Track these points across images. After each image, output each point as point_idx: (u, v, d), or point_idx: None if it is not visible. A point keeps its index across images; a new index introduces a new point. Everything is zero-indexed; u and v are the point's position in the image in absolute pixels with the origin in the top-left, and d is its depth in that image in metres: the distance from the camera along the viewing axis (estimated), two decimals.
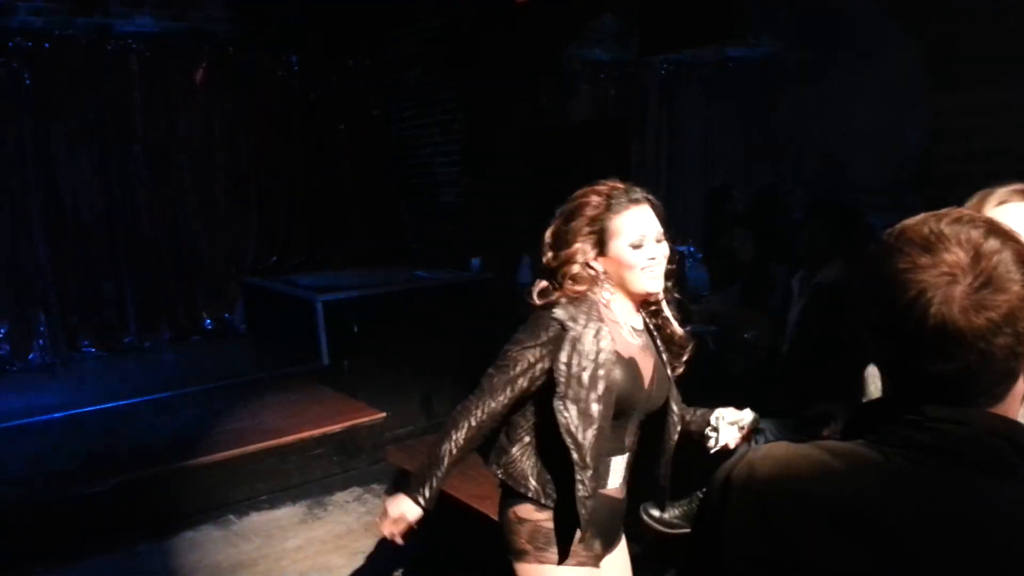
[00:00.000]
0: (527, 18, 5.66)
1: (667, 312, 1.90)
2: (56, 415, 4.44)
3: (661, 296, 1.86)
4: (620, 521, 1.96)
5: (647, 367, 1.84)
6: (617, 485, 1.88)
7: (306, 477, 4.00)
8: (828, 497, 0.83)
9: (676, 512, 2.93)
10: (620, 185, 1.85)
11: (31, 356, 5.54)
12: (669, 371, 1.90)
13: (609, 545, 1.92)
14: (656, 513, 2.89)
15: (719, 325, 3.79)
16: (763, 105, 8.80)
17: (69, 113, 5.59)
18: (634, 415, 1.86)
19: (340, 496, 3.86)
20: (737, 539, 0.88)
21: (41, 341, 5.56)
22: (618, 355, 1.78)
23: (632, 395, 1.80)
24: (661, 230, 1.81)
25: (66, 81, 5.55)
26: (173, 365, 5.74)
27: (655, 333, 1.91)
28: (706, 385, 3.49)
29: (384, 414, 4.38)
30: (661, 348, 1.90)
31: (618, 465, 1.86)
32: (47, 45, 5.47)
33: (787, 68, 8.44)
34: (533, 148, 5.71)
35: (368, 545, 3.36)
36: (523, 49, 5.79)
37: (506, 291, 5.21)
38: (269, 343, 5.96)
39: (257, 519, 3.65)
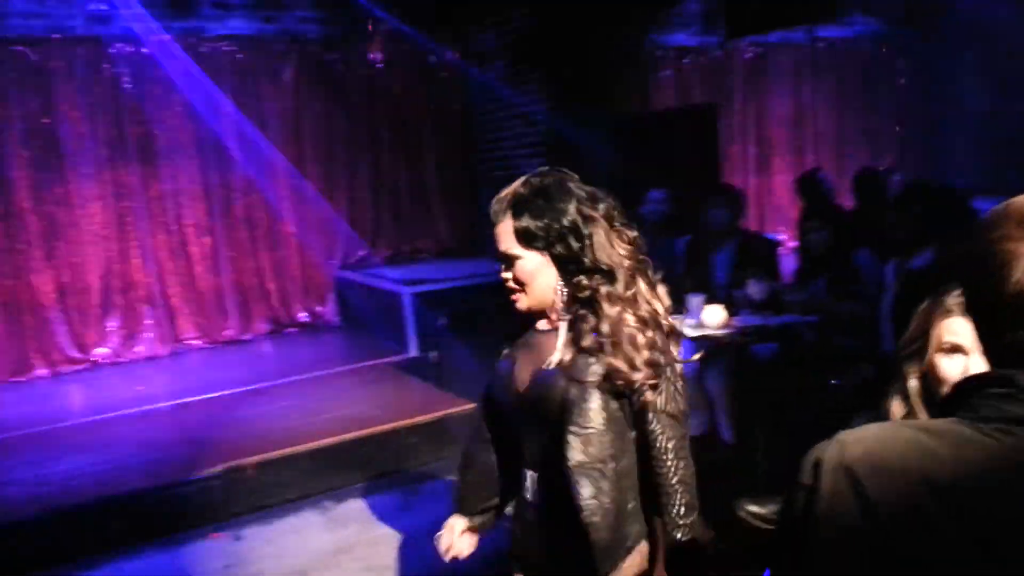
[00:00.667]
0: (610, 6, 5.60)
1: (563, 332, 1.60)
2: (164, 404, 4.68)
3: (551, 315, 1.63)
4: (540, 549, 1.66)
5: (525, 369, 1.64)
6: (529, 499, 1.65)
7: (400, 465, 4.09)
8: (922, 471, 0.82)
9: (773, 507, 2.86)
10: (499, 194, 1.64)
11: (138, 348, 5.83)
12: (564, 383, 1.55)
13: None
14: (753, 508, 2.83)
15: (814, 316, 3.67)
16: (857, 86, 8.47)
17: (167, 115, 5.84)
18: (517, 422, 1.66)
19: (433, 485, 3.92)
20: (830, 518, 0.87)
21: (149, 334, 5.85)
22: (507, 354, 1.71)
23: (497, 396, 1.70)
24: (505, 248, 1.60)
25: (162, 83, 5.81)
26: (271, 356, 5.96)
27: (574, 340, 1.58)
28: (803, 375, 3.39)
29: (474, 404, 4.41)
30: (564, 357, 1.57)
31: (530, 479, 1.64)
32: (145, 50, 5.73)
33: (886, 47, 8.09)
34: (618, 137, 5.65)
35: None
36: (606, 37, 5.73)
37: None
38: (360, 335, 6.11)
39: (354, 505, 3.75)
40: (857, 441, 0.88)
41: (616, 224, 1.60)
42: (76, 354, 5.62)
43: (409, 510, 3.70)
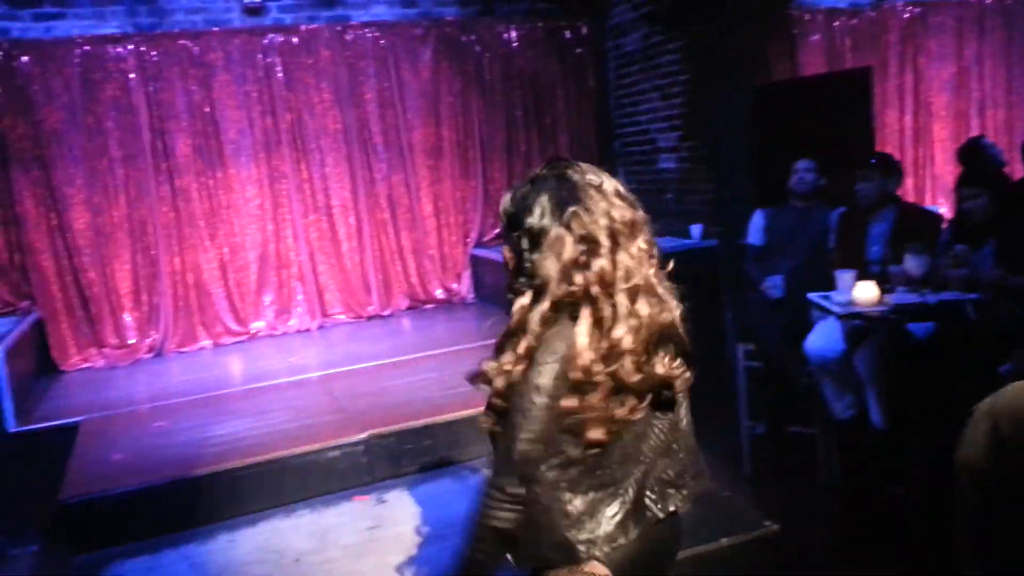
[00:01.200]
0: None
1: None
2: (313, 375, 4.95)
3: None
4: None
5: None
6: None
7: None
8: None
9: None
10: None
11: (291, 322, 6.19)
12: None
13: None
14: None
15: (978, 293, 3.37)
16: None
17: (315, 101, 6.13)
18: None
19: None
20: (966, 458, 0.95)
21: (299, 309, 6.19)
22: None
23: None
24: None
25: (310, 70, 6.09)
26: (410, 331, 6.17)
27: None
28: (965, 357, 3.13)
29: None
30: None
31: None
32: (295, 40, 6.03)
33: None
34: (761, 107, 5.41)
35: None
36: (749, 4, 5.48)
37: (730, 257, 5.00)
38: (493, 311, 6.19)
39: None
40: (1011, 389, 1.01)
41: (595, 248, 1.45)
42: (236, 327, 6.04)
43: None
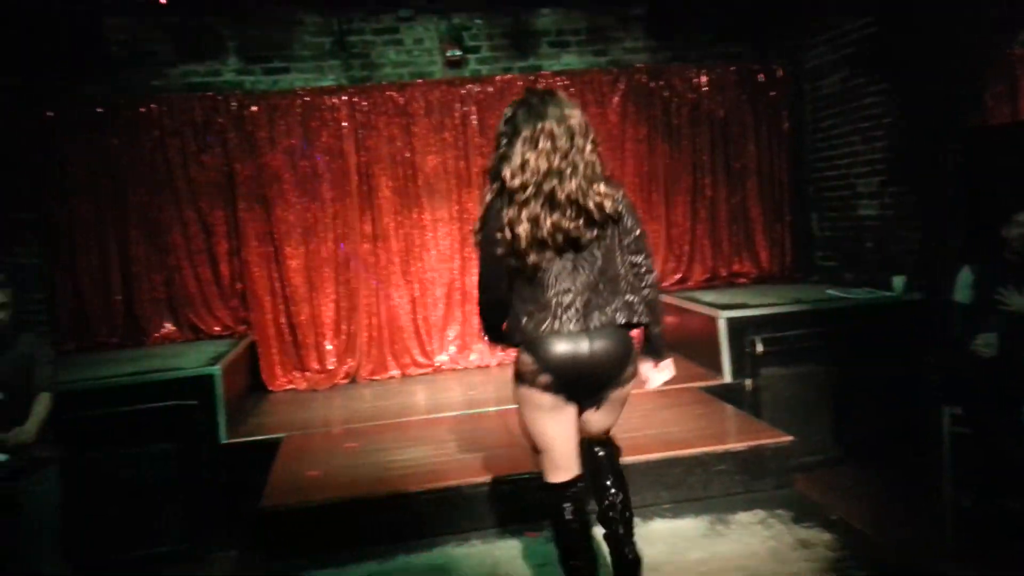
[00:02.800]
0: (967, 5, 5.00)
1: None
2: (490, 408, 5.10)
3: None
4: None
5: None
6: None
7: (708, 492, 3.99)
8: None
9: None
10: None
11: (471, 357, 6.41)
12: None
13: None
14: None
15: None
16: None
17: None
18: None
19: (743, 516, 3.76)
20: None
21: (479, 345, 6.40)
22: None
23: None
24: None
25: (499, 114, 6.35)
26: None
27: None
28: None
29: (790, 438, 4.17)
30: None
31: None
32: (491, 89, 6.34)
33: None
34: (976, 153, 4.98)
35: (772, 571, 3.22)
36: (962, 42, 5.11)
37: (935, 313, 4.61)
38: (673, 357, 6.09)
39: (660, 526, 3.74)
40: None
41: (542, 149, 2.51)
42: (422, 359, 6.35)
43: (718, 538, 3.59)
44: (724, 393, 5.08)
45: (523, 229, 2.46)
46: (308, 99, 6.12)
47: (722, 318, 5.29)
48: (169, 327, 6.09)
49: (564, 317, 2.50)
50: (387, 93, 6.24)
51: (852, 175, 6.07)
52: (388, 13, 6.29)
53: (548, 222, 2.46)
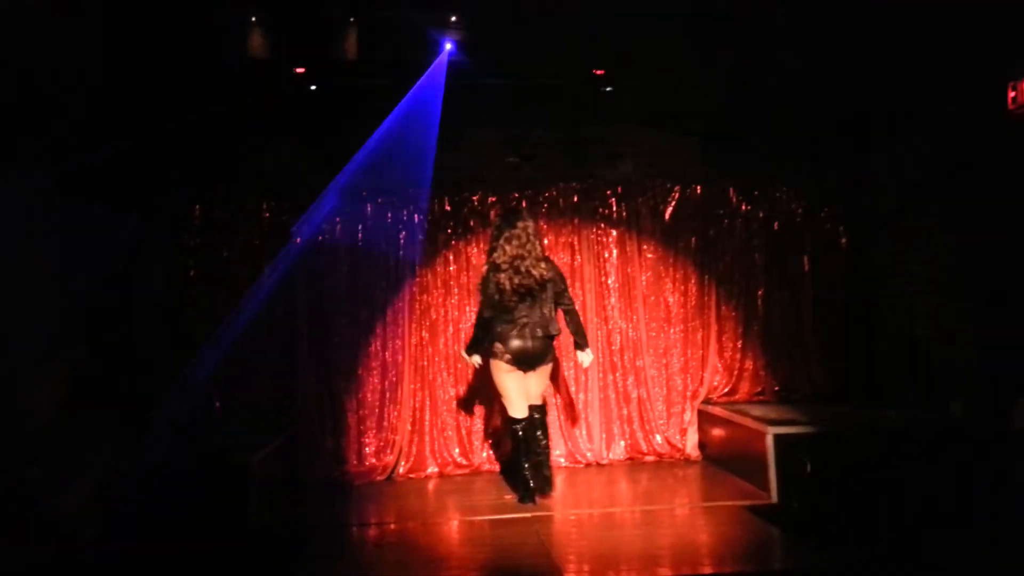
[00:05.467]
0: None
1: None
2: (526, 514, 4.97)
3: None
4: None
5: None
6: None
7: None
8: None
9: None
10: None
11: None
12: None
13: None
14: None
15: None
16: None
17: (556, 253, 6.47)
18: None
19: None
20: None
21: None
22: None
23: None
24: None
25: (556, 224, 6.54)
26: (627, 482, 5.97)
27: None
28: None
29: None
30: None
31: None
32: (546, 194, 6.53)
33: None
34: None
35: None
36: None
37: (994, 441, 4.37)
38: (719, 472, 5.90)
39: None
40: None
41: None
42: (461, 460, 6.29)
43: None
44: (771, 513, 4.84)
45: (506, 284, 4.98)
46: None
47: (770, 434, 5.12)
48: None
49: (524, 331, 5.03)
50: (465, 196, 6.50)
51: (907, 294, 5.94)
52: None
53: (516, 281, 4.98)
